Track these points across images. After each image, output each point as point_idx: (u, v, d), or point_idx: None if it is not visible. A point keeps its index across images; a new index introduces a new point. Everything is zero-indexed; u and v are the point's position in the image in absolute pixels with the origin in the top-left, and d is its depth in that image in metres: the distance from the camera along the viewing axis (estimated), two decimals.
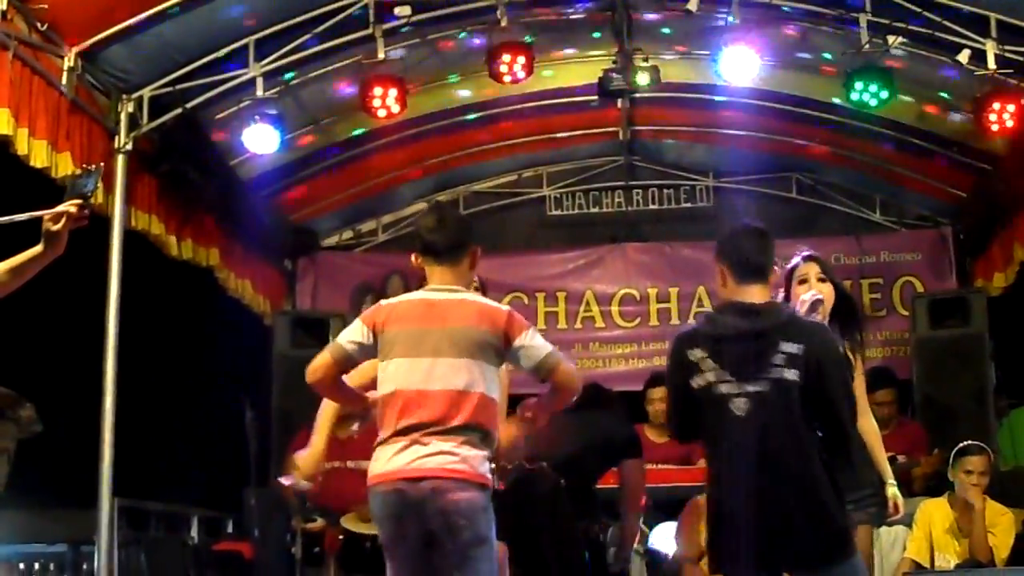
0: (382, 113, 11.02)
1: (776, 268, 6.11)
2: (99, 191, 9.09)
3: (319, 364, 5.83)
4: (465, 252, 5.96)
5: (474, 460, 5.60)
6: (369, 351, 5.81)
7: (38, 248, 4.94)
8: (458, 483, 5.53)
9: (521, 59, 10.60)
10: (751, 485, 5.63)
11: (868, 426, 7.07)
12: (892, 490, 7.13)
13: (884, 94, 10.65)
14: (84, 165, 7.87)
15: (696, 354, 5.81)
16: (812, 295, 6.66)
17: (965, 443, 9.34)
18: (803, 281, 7.00)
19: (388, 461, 5.61)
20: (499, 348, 5.74)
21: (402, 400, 5.66)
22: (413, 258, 6.02)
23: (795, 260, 7.11)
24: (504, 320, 5.75)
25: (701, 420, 5.85)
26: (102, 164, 6.09)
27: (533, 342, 5.76)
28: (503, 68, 10.65)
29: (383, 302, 5.98)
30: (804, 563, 5.65)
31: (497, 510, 5.74)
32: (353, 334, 5.83)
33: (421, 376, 5.65)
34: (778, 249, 12.95)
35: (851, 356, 6.85)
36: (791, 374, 5.65)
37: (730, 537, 5.71)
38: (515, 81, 10.83)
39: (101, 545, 9.64)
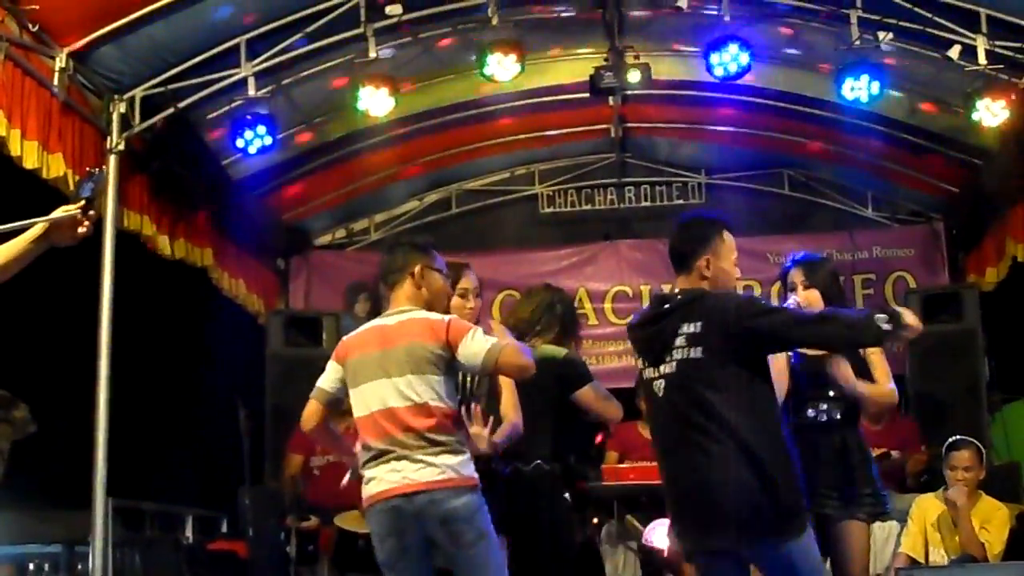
0: (374, 112, 11.01)
1: (702, 261, 6.03)
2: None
3: (309, 412, 6.25)
4: (404, 274, 6.24)
5: (459, 466, 5.88)
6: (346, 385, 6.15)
7: (37, 231, 4.92)
8: (451, 491, 5.81)
9: (512, 57, 10.59)
10: (672, 463, 5.83)
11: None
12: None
13: (875, 90, 10.66)
14: (87, 169, 7.89)
15: (632, 344, 6.17)
16: (794, 302, 6.73)
17: (954, 438, 9.37)
18: (791, 289, 7.07)
19: (379, 481, 5.90)
20: (447, 359, 5.97)
21: (375, 421, 5.95)
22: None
23: (786, 265, 7.17)
24: (444, 330, 6.00)
25: None
26: (104, 168, 6.11)
27: (474, 342, 5.95)
28: (494, 66, 10.65)
29: (345, 337, 6.35)
30: (730, 538, 5.66)
31: (496, 505, 5.92)
32: (328, 374, 6.24)
33: (387, 396, 5.94)
34: (770, 245, 13.04)
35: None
36: (695, 352, 5.70)
37: (676, 521, 5.95)
38: (506, 79, 10.82)
39: (96, 545, 9.64)
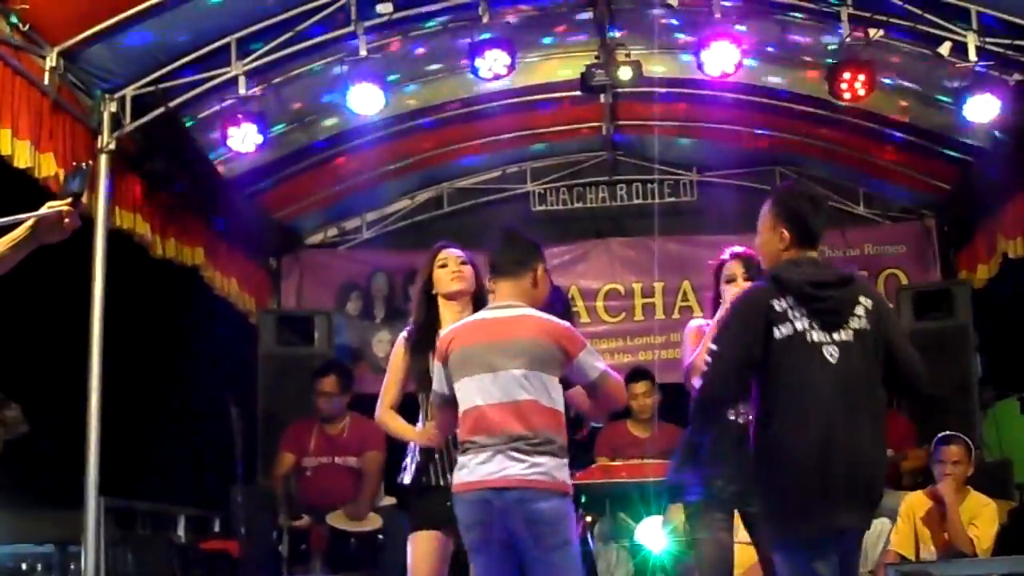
0: (365, 110, 11.01)
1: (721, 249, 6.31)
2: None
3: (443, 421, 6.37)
4: (526, 269, 6.22)
5: (555, 470, 5.88)
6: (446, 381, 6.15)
7: (23, 231, 4.91)
8: (541, 492, 5.81)
9: (503, 55, 10.59)
10: (849, 432, 5.77)
11: None
12: None
13: (866, 87, 10.66)
14: (73, 163, 7.86)
15: (784, 303, 5.88)
16: (731, 295, 6.80)
17: (943, 433, 9.39)
18: (730, 280, 7.14)
19: (473, 471, 5.89)
20: (562, 361, 5.99)
21: (481, 413, 5.93)
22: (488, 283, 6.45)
23: (723, 257, 7.22)
24: (564, 335, 6.04)
25: (778, 372, 5.86)
26: (91, 162, 6.08)
27: (591, 356, 6.08)
28: (485, 64, 10.65)
29: (444, 329, 6.41)
30: (861, 514, 5.88)
31: None
32: (436, 378, 6.23)
33: (497, 389, 5.92)
34: None
35: None
36: (868, 325, 5.87)
37: (825, 484, 5.74)
38: (497, 77, 10.82)
39: (88, 545, 9.63)
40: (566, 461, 5.97)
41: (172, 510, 11.56)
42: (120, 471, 10.50)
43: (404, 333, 7.03)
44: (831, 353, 5.81)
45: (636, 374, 11.25)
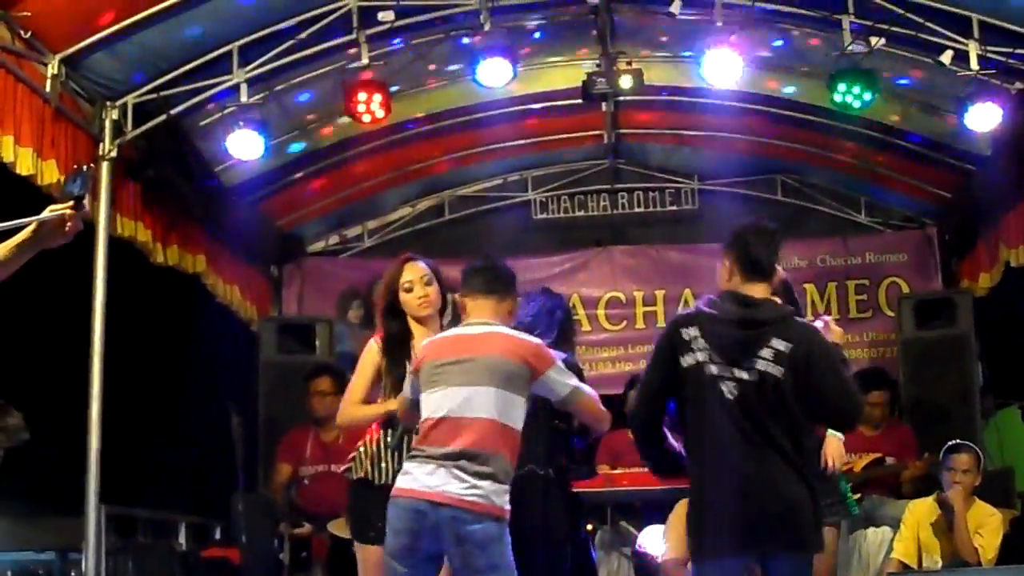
0: (367, 118, 11.00)
1: (778, 270, 6.30)
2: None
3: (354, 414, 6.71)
4: (509, 293, 6.31)
5: (493, 494, 5.83)
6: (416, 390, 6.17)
7: (25, 235, 4.89)
8: (475, 515, 5.77)
9: (505, 63, 10.59)
10: (736, 469, 5.84)
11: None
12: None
13: (868, 95, 10.66)
14: (74, 165, 7.84)
15: (690, 332, 6.02)
16: None
17: (953, 442, 9.38)
18: None
19: (415, 478, 5.88)
20: (528, 379, 6.01)
21: (435, 425, 5.94)
22: (457, 297, 6.45)
23: None
24: (533, 352, 6.06)
25: (685, 400, 6.04)
26: (92, 165, 6.06)
27: (560, 374, 6.13)
28: (487, 72, 10.65)
29: (424, 342, 6.37)
30: (774, 549, 5.85)
31: None
32: (407, 386, 6.30)
33: (457, 404, 5.92)
34: None
35: None
36: (775, 370, 5.84)
37: (712, 519, 5.90)
38: (499, 85, 10.83)
39: (89, 552, 9.63)
40: (507, 487, 5.91)
41: (173, 518, 11.57)
42: (121, 479, 10.51)
43: (376, 340, 7.01)
44: (729, 389, 5.88)
45: (633, 382, 11.22)
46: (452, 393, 5.92)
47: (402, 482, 5.93)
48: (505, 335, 6.09)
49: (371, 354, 6.98)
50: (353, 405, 6.94)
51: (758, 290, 6.09)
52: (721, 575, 5.96)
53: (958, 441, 9.42)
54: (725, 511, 5.84)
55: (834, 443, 7.49)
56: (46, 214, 4.90)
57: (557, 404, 6.24)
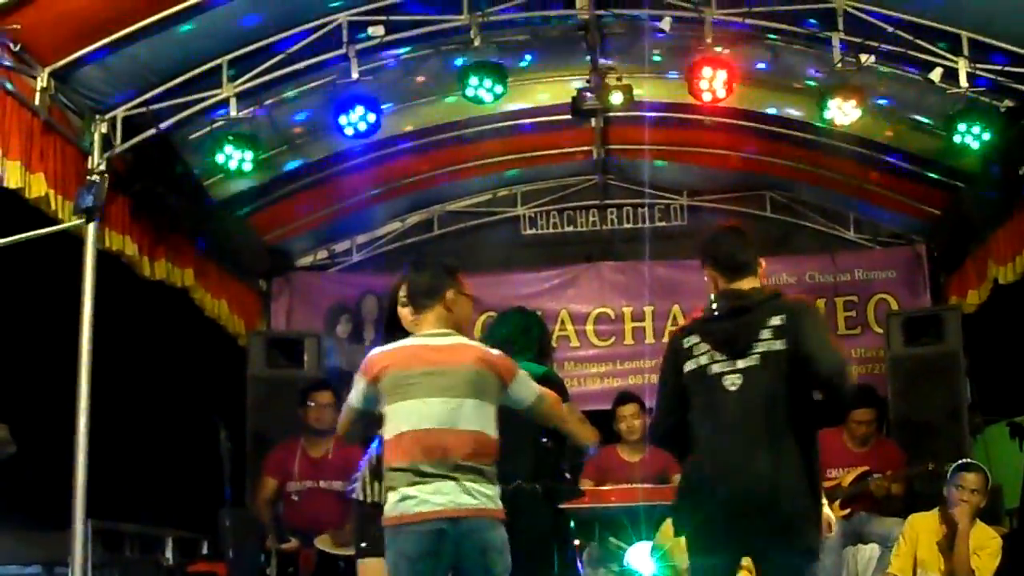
0: (356, 133, 11.01)
1: (761, 262, 6.35)
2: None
3: (346, 421, 6.33)
4: (435, 299, 6.21)
5: (497, 498, 5.94)
6: (372, 401, 6.11)
7: None
8: (491, 521, 5.88)
9: (495, 79, 10.60)
10: (737, 458, 5.88)
11: None
12: (824, 511, 7.36)
13: (857, 113, 10.67)
14: (87, 178, 7.80)
15: (690, 340, 6.13)
16: None
17: (963, 460, 9.42)
18: None
19: (424, 501, 5.83)
20: (499, 390, 6.06)
21: (420, 439, 5.88)
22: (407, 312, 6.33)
23: None
24: (498, 363, 6.10)
25: (690, 405, 6.10)
26: (105, 175, 6.01)
27: (526, 383, 6.19)
28: (476, 88, 10.66)
29: (375, 350, 6.25)
30: (768, 541, 5.86)
31: None
32: (357, 391, 6.18)
33: (441, 416, 5.90)
34: None
35: None
36: (779, 344, 5.92)
37: (709, 514, 5.93)
38: (487, 100, 10.83)
39: (75, 567, 9.59)
40: (500, 490, 6.01)
41: (160, 532, 11.54)
42: (108, 493, 10.47)
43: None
44: (732, 382, 5.95)
45: (624, 397, 11.25)
46: (432, 405, 5.90)
47: (408, 506, 5.85)
48: (474, 347, 6.13)
49: None
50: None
51: (746, 285, 6.19)
52: (714, 573, 6.00)
53: (968, 460, 9.46)
54: (723, 506, 5.86)
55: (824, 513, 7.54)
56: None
57: (525, 414, 6.23)
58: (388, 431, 5.99)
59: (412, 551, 5.82)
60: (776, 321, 5.96)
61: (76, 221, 4.75)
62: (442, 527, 5.76)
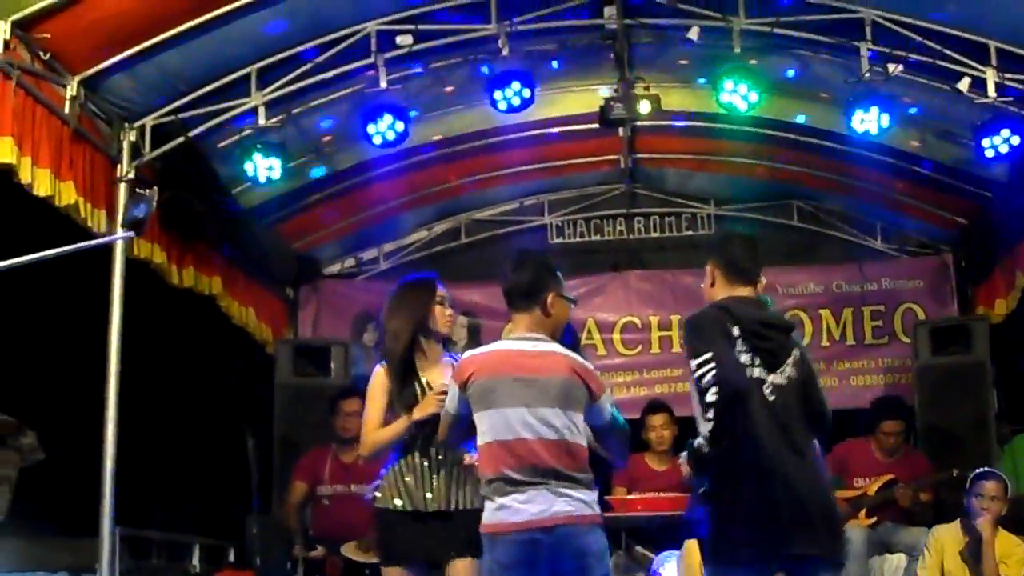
0: (384, 141, 11.04)
1: (762, 279, 6.38)
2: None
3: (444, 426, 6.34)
4: (535, 300, 6.16)
5: (594, 503, 5.93)
6: (465, 406, 6.12)
7: None
8: (588, 527, 5.87)
9: (522, 87, 10.61)
10: (779, 472, 5.89)
11: None
12: None
13: (885, 122, 10.67)
14: (136, 190, 7.77)
15: (735, 330, 6.06)
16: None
17: (982, 469, 9.41)
18: None
19: (517, 511, 5.84)
20: (587, 401, 6.02)
21: (513, 449, 5.90)
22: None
23: None
24: (590, 376, 6.07)
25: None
26: (155, 188, 5.98)
27: (609, 401, 6.16)
28: (504, 97, 10.67)
29: (467, 354, 6.24)
30: (824, 544, 5.91)
31: None
32: (451, 398, 6.20)
33: (532, 425, 5.90)
34: (780, 276, 13.06)
35: None
36: (797, 373, 6.04)
37: (744, 523, 5.90)
38: (516, 109, 10.84)
39: (103, 574, 9.62)
40: (597, 493, 6.02)
41: (187, 540, 11.54)
42: (135, 500, 10.50)
43: (381, 366, 7.00)
44: (768, 392, 5.98)
45: (654, 406, 11.27)
46: (524, 414, 5.90)
47: (503, 516, 5.87)
48: (566, 356, 6.06)
49: (379, 379, 6.98)
50: (373, 432, 6.93)
51: (744, 292, 6.24)
52: None
53: (986, 468, 9.44)
54: (763, 514, 5.85)
55: None
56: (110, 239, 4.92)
57: (599, 429, 6.17)
58: (479, 439, 6.02)
59: (507, 560, 5.84)
60: (796, 353, 6.09)
61: (126, 233, 4.73)
62: (536, 536, 5.77)
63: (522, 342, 6.09)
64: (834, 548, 5.94)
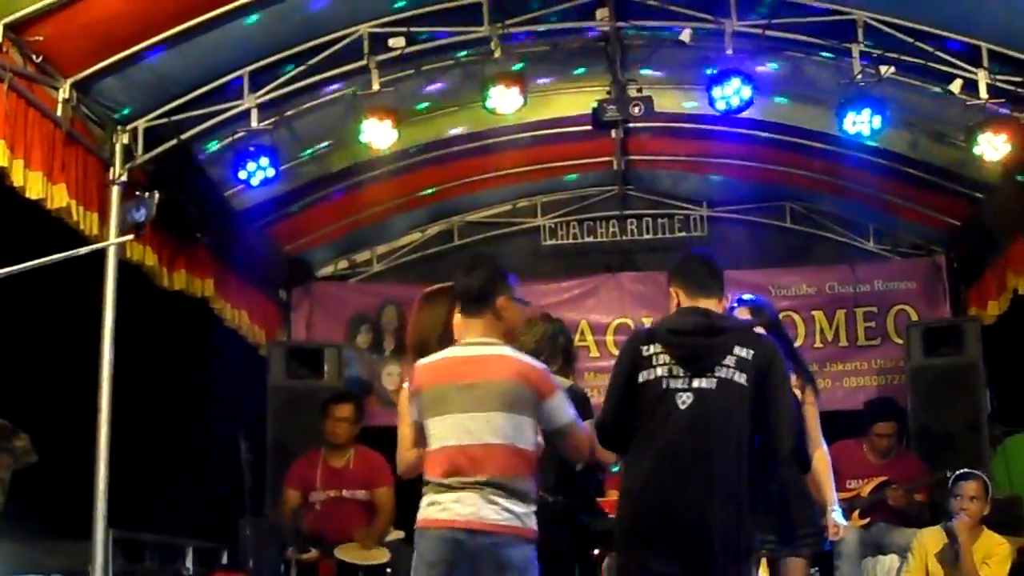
0: (376, 144, 11.04)
1: (728, 295, 6.48)
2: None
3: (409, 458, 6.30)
4: (486, 305, 6.08)
5: (525, 516, 5.84)
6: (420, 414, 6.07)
7: None
8: (513, 539, 5.77)
9: (515, 90, 10.61)
10: (677, 479, 5.91)
11: (819, 455, 7.53)
12: (833, 516, 7.59)
13: (877, 124, 10.67)
14: (136, 193, 7.76)
15: (651, 349, 6.11)
16: None
17: (962, 470, 9.40)
18: None
19: (447, 508, 5.81)
20: (534, 404, 5.90)
21: (455, 454, 5.84)
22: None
23: (731, 304, 7.23)
24: (539, 377, 5.95)
25: (638, 415, 6.11)
26: (155, 192, 5.96)
27: (562, 403, 5.99)
28: (497, 99, 10.66)
29: (419, 362, 6.16)
30: (702, 567, 5.88)
31: None
32: (412, 410, 6.13)
33: (471, 430, 5.84)
34: (772, 278, 13.08)
35: (800, 390, 7.13)
36: (740, 377, 5.95)
37: (643, 526, 6.02)
38: (509, 112, 10.84)
39: None
40: (534, 508, 5.90)
41: (180, 542, 11.53)
42: (128, 503, 10.49)
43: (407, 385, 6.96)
44: (683, 400, 5.97)
45: None
46: (464, 420, 5.84)
47: (432, 512, 5.85)
48: (511, 358, 5.96)
49: (407, 396, 6.93)
50: (408, 451, 6.87)
51: (714, 305, 6.25)
52: None
53: (966, 469, 9.43)
54: (629, 529, 6.03)
55: (832, 518, 7.58)
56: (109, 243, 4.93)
57: (552, 433, 6.03)
58: (429, 445, 5.97)
59: (430, 556, 5.80)
60: (742, 352, 5.99)
61: (126, 236, 4.73)
62: (459, 537, 5.72)
63: (469, 348, 6.03)
64: (707, 568, 5.88)
